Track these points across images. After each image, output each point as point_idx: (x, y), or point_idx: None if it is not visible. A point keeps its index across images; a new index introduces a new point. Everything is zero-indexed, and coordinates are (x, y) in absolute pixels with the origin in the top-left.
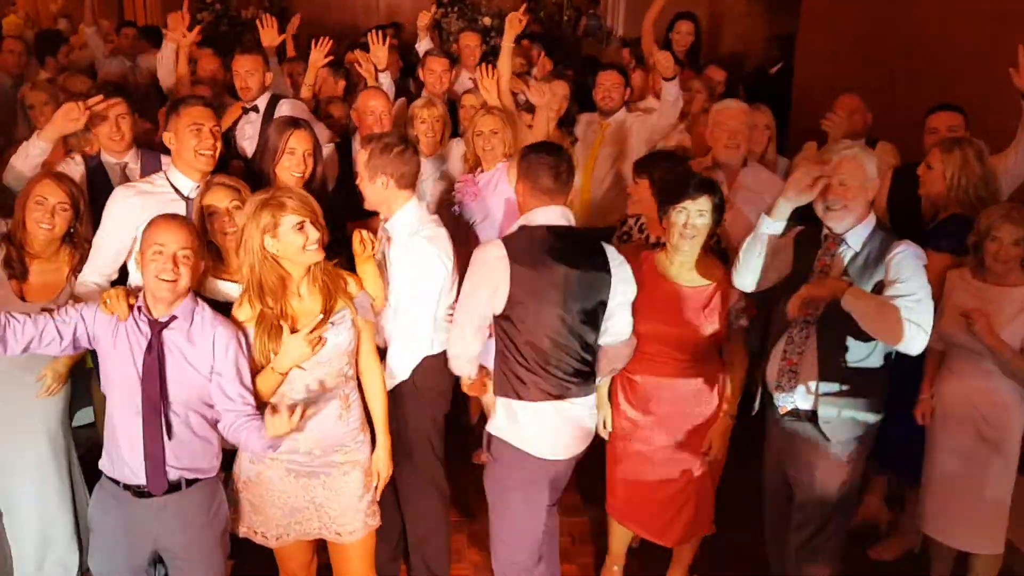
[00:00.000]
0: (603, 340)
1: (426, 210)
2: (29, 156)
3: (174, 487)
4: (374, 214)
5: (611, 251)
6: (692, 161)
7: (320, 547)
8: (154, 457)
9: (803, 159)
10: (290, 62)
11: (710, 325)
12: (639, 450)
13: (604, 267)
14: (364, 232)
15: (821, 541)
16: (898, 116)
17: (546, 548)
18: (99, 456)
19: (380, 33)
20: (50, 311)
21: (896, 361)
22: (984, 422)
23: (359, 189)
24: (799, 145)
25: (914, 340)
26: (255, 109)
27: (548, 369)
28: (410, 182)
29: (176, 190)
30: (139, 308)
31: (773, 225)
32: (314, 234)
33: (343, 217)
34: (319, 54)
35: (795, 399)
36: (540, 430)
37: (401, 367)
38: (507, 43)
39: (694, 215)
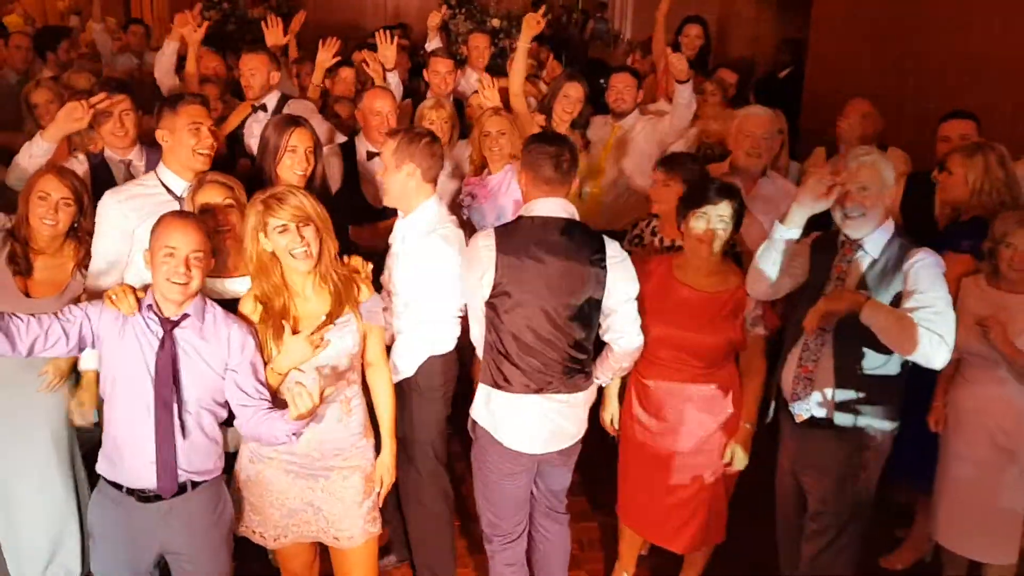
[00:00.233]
0: (606, 338)
1: (445, 209)
2: (32, 156)
3: (181, 489)
4: (379, 215)
5: (612, 247)
6: (710, 165)
7: (324, 550)
8: (166, 459)
9: (813, 165)
10: (298, 62)
11: (725, 331)
12: (651, 455)
13: (599, 263)
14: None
15: (835, 551)
16: (909, 122)
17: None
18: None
19: (388, 33)
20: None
21: (912, 368)
22: (999, 430)
23: (361, 190)
24: (809, 150)
25: (936, 354)
26: (263, 108)
27: (529, 362)
28: (434, 176)
29: (168, 190)
30: (149, 306)
31: (787, 232)
32: (297, 239)
33: (347, 218)
34: (327, 54)
35: (810, 407)
36: (513, 422)
37: (406, 363)
38: (523, 44)
39: (714, 220)
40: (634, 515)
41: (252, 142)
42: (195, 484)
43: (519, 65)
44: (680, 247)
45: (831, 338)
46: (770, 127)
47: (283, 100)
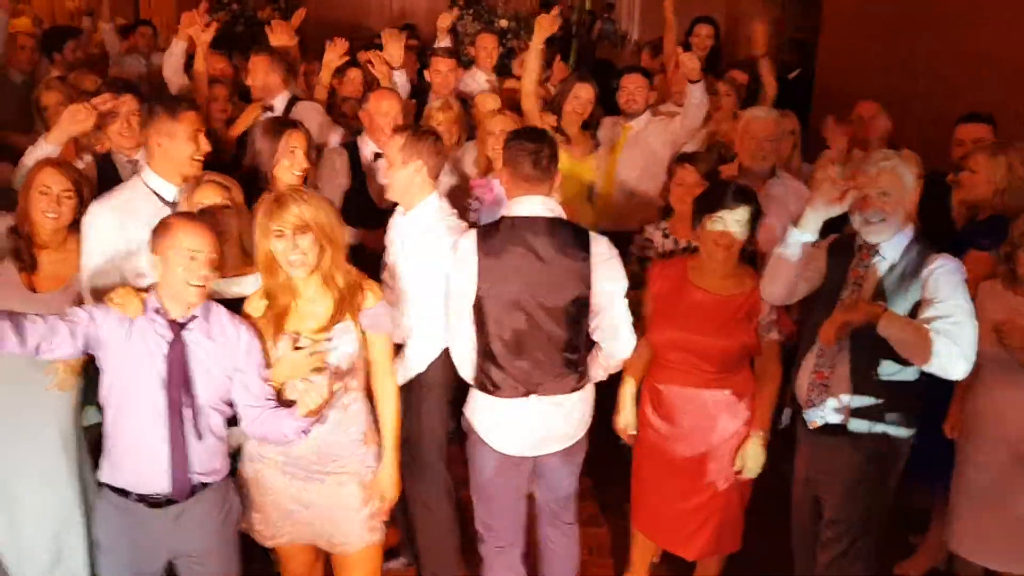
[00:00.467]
0: (595, 338)
1: (447, 203)
2: (38, 159)
3: (191, 491)
4: (384, 214)
5: (598, 245)
6: (721, 167)
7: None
8: (180, 461)
9: (821, 167)
10: (305, 62)
11: (739, 336)
12: (664, 460)
13: (584, 260)
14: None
15: (851, 559)
16: (920, 123)
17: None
18: None
19: (395, 32)
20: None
21: (929, 373)
22: (1017, 438)
23: (367, 191)
24: (819, 152)
25: (954, 365)
26: (271, 109)
27: (517, 364)
28: (437, 173)
29: (159, 196)
30: (156, 310)
31: (802, 236)
32: (291, 246)
33: (354, 219)
34: (334, 54)
35: (826, 414)
36: (502, 424)
37: (418, 359)
38: (536, 44)
39: (731, 224)
40: (646, 520)
41: None
42: (204, 485)
43: (532, 65)
44: (694, 248)
45: (847, 344)
46: (775, 129)
47: (292, 102)
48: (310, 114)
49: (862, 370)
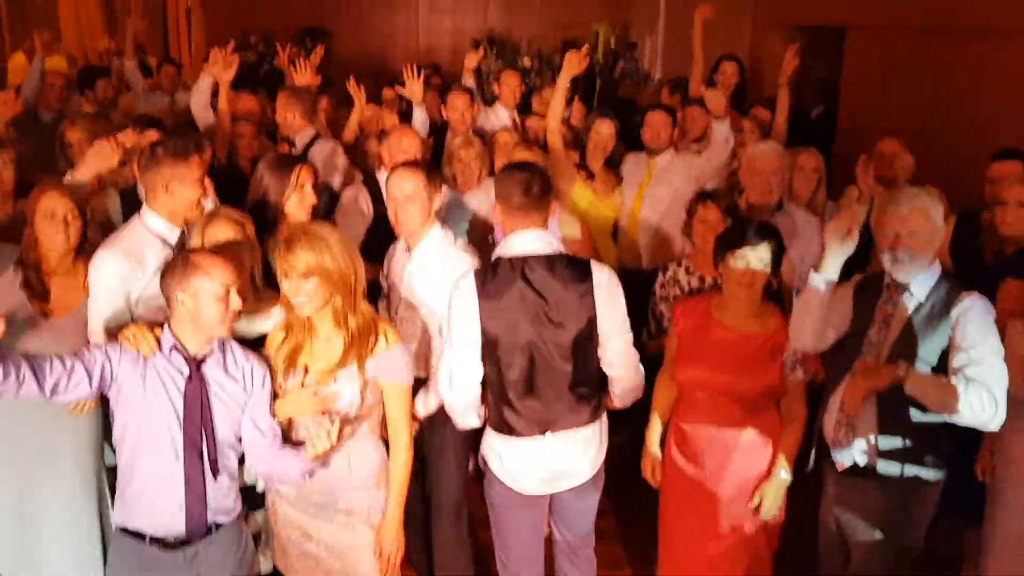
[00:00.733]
0: (605, 368)
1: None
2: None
3: (206, 532)
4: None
5: (600, 274)
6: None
7: None
8: (196, 501)
9: (845, 205)
10: (331, 99)
11: (763, 375)
12: (690, 503)
13: (586, 292)
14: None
15: None
16: (943, 160)
17: None
18: None
19: (414, 67)
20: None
21: None
22: None
23: (389, 226)
24: (843, 188)
25: (989, 418)
26: (292, 144)
27: (529, 404)
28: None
29: (162, 239)
30: (173, 347)
31: (823, 280)
32: (294, 289)
33: (378, 256)
34: (361, 101)
35: (853, 454)
36: (517, 463)
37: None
38: (563, 81)
39: (754, 261)
40: (673, 565)
41: None
42: (218, 526)
43: (557, 102)
44: (720, 285)
45: None
46: (779, 163)
47: (314, 139)
48: (325, 154)
49: (889, 410)
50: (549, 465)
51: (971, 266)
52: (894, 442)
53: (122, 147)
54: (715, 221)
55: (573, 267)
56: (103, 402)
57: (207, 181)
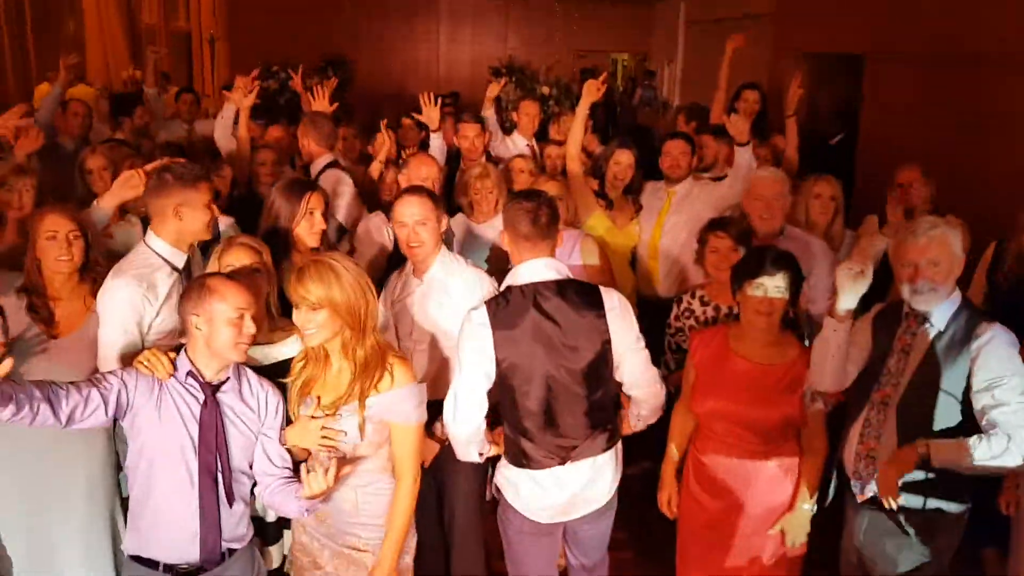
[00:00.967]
0: (626, 389)
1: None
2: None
3: (220, 559)
4: None
5: (610, 298)
6: None
7: None
8: (211, 528)
9: (865, 233)
10: (350, 126)
11: (782, 406)
12: (709, 536)
13: (599, 315)
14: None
15: None
16: (964, 188)
17: None
18: None
19: (431, 95)
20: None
21: None
22: None
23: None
24: (861, 218)
25: (1013, 463)
26: (306, 171)
27: (548, 433)
28: None
29: (171, 265)
30: (189, 373)
31: (840, 325)
32: (301, 318)
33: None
34: (388, 143)
35: (874, 486)
36: (532, 493)
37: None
38: (582, 110)
39: (771, 291)
40: None
41: None
42: (231, 551)
43: (577, 130)
44: (736, 315)
45: (893, 413)
46: (780, 188)
47: (329, 166)
48: (333, 182)
49: (911, 440)
50: (567, 494)
51: (1011, 294)
52: (916, 474)
53: (149, 176)
54: (726, 250)
55: (583, 292)
56: (115, 428)
57: (214, 207)
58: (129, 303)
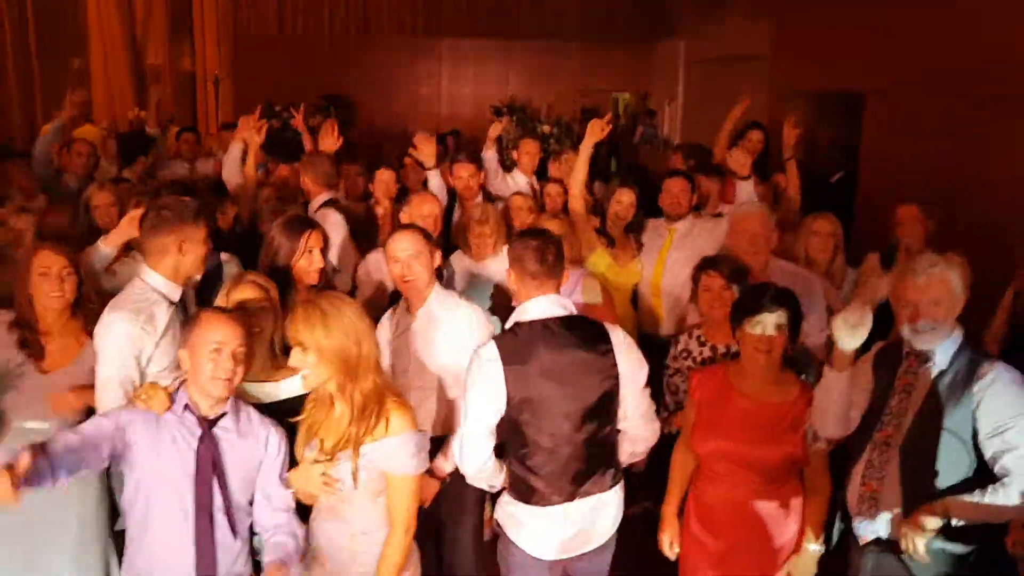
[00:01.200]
0: (622, 424)
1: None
2: (94, 263)
3: None
4: None
5: (616, 335)
6: None
7: None
8: (208, 565)
9: (867, 272)
10: (350, 164)
11: (784, 445)
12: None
13: (607, 352)
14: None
15: None
16: (964, 224)
17: None
18: None
19: (426, 135)
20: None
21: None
22: None
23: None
24: (862, 255)
25: None
26: (305, 207)
27: (555, 469)
28: None
29: (168, 300)
30: (186, 406)
31: (841, 375)
32: (295, 358)
33: None
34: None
35: (877, 528)
36: (535, 529)
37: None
38: (586, 149)
39: (771, 327)
40: None
41: None
42: None
43: (580, 168)
44: (735, 353)
45: (896, 453)
46: (763, 221)
47: (326, 204)
48: (327, 219)
49: (913, 481)
50: (571, 531)
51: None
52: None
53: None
54: (719, 288)
55: (590, 329)
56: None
57: (208, 242)
58: (127, 336)
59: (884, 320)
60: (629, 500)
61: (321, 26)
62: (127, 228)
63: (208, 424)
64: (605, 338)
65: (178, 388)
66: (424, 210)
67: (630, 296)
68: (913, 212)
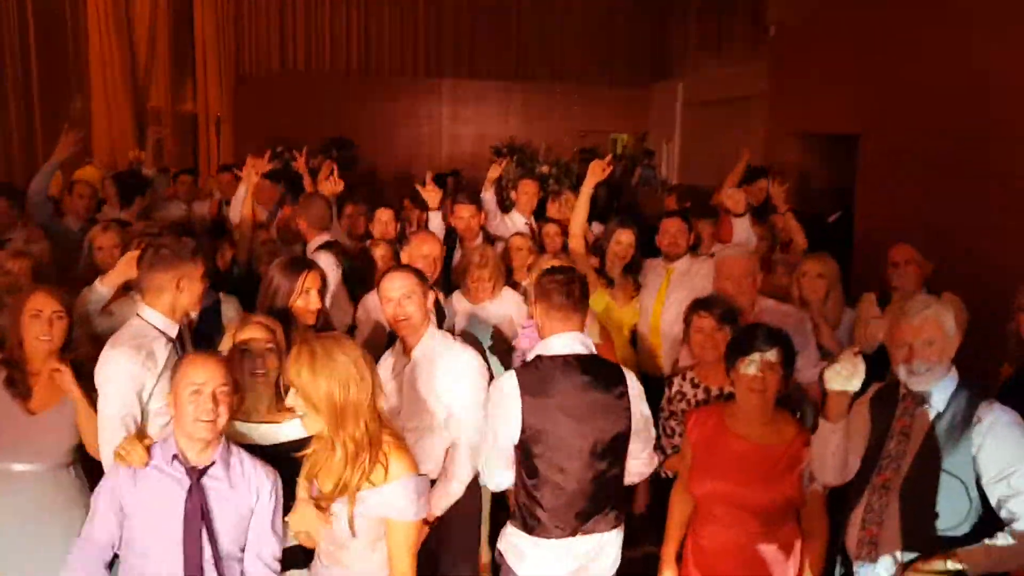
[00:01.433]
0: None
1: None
2: (91, 303)
3: None
4: None
5: (632, 379)
6: None
7: None
8: None
9: (864, 312)
10: (352, 204)
11: (781, 487)
12: None
13: (622, 394)
14: None
15: None
16: (961, 264)
17: None
18: None
19: (431, 177)
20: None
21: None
22: None
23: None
24: (859, 295)
25: None
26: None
27: (563, 503)
28: None
29: (167, 336)
30: (174, 456)
31: (836, 426)
32: (290, 399)
33: None
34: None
35: (878, 572)
36: (539, 561)
37: (467, 472)
38: (587, 189)
39: (764, 367)
40: None
41: None
42: None
43: (581, 208)
44: (728, 395)
45: (896, 497)
46: (747, 265)
47: (323, 247)
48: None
49: (913, 525)
50: (573, 565)
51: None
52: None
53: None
54: (710, 329)
55: (610, 371)
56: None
57: (205, 280)
58: (128, 373)
59: (882, 361)
60: (630, 543)
61: (323, 67)
62: (125, 268)
63: (197, 475)
64: (623, 382)
65: (166, 438)
66: (424, 250)
67: (629, 337)
68: (907, 253)
